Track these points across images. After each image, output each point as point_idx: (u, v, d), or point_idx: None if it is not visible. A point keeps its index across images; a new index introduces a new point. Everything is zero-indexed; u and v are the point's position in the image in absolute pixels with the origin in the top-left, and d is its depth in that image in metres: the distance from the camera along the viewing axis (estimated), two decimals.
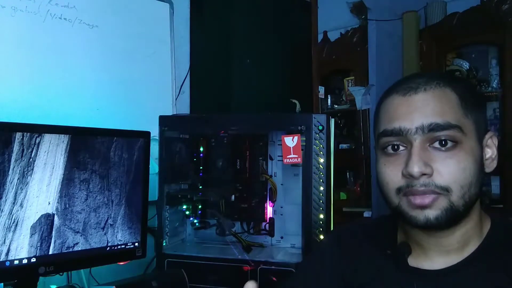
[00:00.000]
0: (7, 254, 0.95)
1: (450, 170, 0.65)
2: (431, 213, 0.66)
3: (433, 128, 0.66)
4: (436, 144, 0.67)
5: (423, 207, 0.66)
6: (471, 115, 0.68)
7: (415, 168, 0.65)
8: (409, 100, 0.68)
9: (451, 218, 0.67)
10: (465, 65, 3.07)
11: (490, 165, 0.72)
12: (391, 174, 0.69)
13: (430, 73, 0.72)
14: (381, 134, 0.71)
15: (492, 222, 0.74)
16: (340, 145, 3.66)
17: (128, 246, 1.17)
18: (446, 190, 0.65)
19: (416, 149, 0.66)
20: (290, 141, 1.16)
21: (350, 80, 3.63)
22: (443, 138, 0.66)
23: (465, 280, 0.69)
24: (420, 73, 0.75)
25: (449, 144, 0.66)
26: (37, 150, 0.99)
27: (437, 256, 0.72)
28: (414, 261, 0.73)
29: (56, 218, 1.02)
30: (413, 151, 0.66)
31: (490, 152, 0.72)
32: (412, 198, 0.67)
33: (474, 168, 0.67)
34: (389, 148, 0.70)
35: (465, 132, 0.67)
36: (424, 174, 0.65)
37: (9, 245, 0.95)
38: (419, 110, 0.67)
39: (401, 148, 0.69)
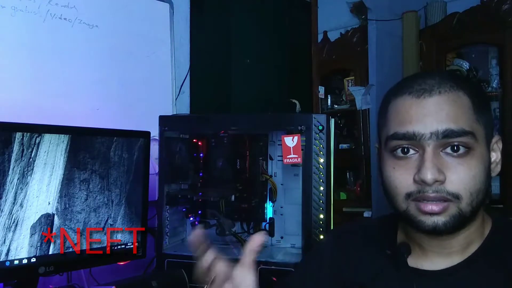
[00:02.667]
0: (7, 254, 0.95)
1: (461, 177, 0.65)
2: (440, 220, 0.65)
3: (448, 134, 0.65)
4: (448, 150, 0.66)
5: (433, 213, 0.66)
6: (482, 120, 0.68)
7: (429, 175, 0.64)
8: (422, 103, 0.67)
9: (458, 224, 0.67)
10: (465, 65, 3.07)
11: (495, 169, 0.72)
12: (401, 178, 0.68)
13: (441, 74, 0.70)
14: (391, 137, 0.69)
15: (493, 222, 0.74)
16: (340, 145, 3.65)
17: (128, 246, 1.17)
18: (456, 197, 0.65)
19: (430, 155, 0.65)
20: (290, 141, 1.16)
21: (350, 80, 3.62)
22: (456, 144, 0.65)
23: (465, 280, 0.69)
24: (430, 72, 0.73)
25: (462, 150, 0.65)
26: (37, 150, 0.99)
27: (438, 258, 0.72)
28: (414, 262, 0.73)
29: (56, 218, 1.02)
30: (426, 157, 0.65)
31: (495, 156, 0.72)
32: (422, 205, 0.66)
33: (483, 175, 0.67)
34: (399, 151, 0.68)
35: (477, 138, 0.66)
36: (437, 181, 0.65)
37: (9, 245, 0.95)
38: (434, 114, 0.66)
39: (412, 151, 0.68)
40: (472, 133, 0.66)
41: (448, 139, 0.65)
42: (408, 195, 0.67)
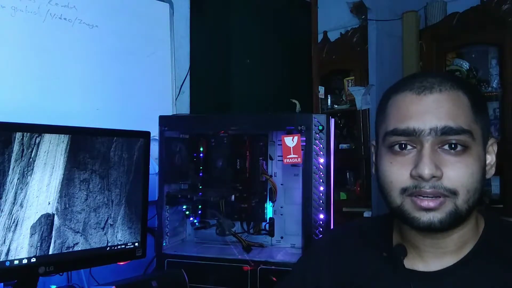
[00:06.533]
0: (7, 254, 0.95)
1: (459, 174, 0.65)
2: (436, 216, 0.66)
3: (446, 131, 0.65)
4: (446, 147, 0.66)
5: (428, 209, 0.66)
6: (479, 120, 0.68)
7: (426, 170, 0.64)
8: (423, 100, 0.67)
9: (454, 222, 0.67)
10: (465, 65, 3.07)
11: (489, 172, 0.72)
12: (398, 173, 0.68)
13: (442, 74, 0.71)
14: (390, 133, 0.69)
15: (486, 222, 0.74)
16: (340, 145, 3.66)
17: (128, 246, 1.17)
18: (454, 193, 0.65)
19: (427, 151, 0.66)
20: (290, 141, 1.16)
21: (350, 80, 3.63)
22: (454, 142, 0.66)
23: (461, 281, 0.69)
24: (432, 72, 0.74)
25: (459, 148, 0.66)
26: (37, 150, 0.99)
27: (432, 258, 0.72)
28: (410, 263, 0.73)
29: (56, 218, 1.02)
30: (424, 153, 0.66)
31: (490, 158, 0.72)
32: (418, 201, 0.66)
33: (480, 174, 0.67)
34: (397, 146, 0.69)
35: (474, 137, 0.67)
36: (434, 177, 0.65)
37: (9, 245, 0.95)
38: (433, 111, 0.66)
39: (409, 147, 0.68)
40: (470, 132, 0.66)
41: (446, 136, 0.66)
42: (404, 190, 0.67)
